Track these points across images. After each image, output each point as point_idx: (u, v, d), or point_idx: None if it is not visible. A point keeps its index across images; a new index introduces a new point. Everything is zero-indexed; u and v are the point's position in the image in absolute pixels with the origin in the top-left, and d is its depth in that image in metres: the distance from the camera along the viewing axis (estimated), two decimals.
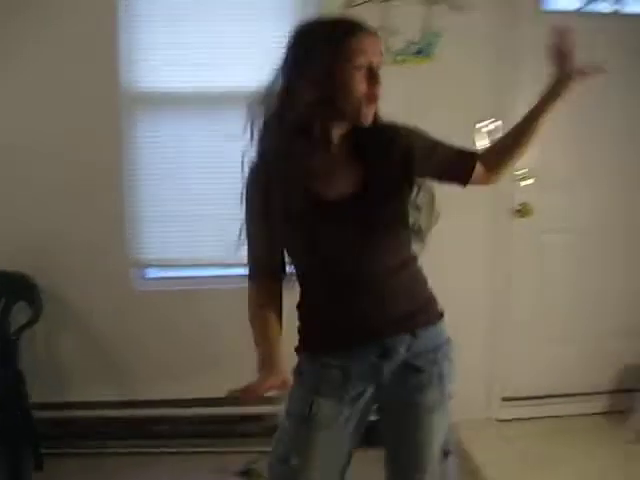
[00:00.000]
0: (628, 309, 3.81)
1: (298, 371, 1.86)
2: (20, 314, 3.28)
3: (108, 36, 3.30)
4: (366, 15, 3.15)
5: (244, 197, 1.82)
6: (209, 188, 3.45)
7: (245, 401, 1.71)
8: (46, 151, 3.36)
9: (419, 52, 3.37)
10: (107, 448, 3.40)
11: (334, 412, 1.80)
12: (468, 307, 3.57)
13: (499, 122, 3.37)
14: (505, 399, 3.79)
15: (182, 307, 3.53)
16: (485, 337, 3.70)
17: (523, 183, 3.57)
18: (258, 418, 3.47)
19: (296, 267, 1.86)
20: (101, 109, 3.34)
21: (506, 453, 3.40)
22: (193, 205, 3.48)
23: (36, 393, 3.26)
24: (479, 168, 1.86)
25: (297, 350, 1.89)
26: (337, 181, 1.75)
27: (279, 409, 3.44)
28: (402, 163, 1.75)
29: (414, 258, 1.87)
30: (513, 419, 3.74)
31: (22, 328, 3.13)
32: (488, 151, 1.92)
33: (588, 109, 3.54)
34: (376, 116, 1.72)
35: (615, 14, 3.64)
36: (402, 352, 1.77)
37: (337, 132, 1.73)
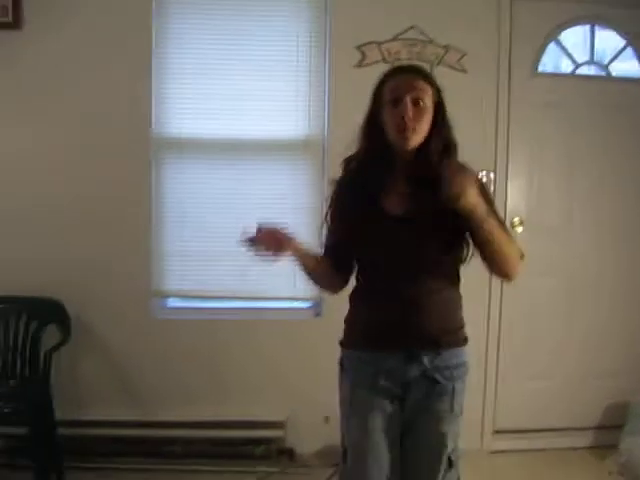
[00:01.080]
0: (613, 350, 3.97)
1: (340, 364, 2.16)
2: (49, 337, 3.49)
3: (142, 84, 3.58)
4: (375, 74, 3.49)
5: (328, 202, 2.15)
6: (226, 227, 3.65)
7: (259, 244, 2.01)
8: (80, 188, 3.61)
9: None
10: (124, 464, 3.55)
11: (367, 400, 2.05)
12: None
13: (492, 174, 3.68)
14: (497, 432, 3.95)
15: (198, 335, 3.72)
16: (478, 372, 3.82)
17: (515, 230, 3.80)
18: (266, 441, 3.68)
19: (359, 266, 2.14)
20: (133, 151, 3.61)
21: None
22: (211, 242, 3.72)
23: (59, 410, 3.43)
24: None
25: (340, 344, 2.17)
26: (399, 201, 2.01)
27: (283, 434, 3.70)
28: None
29: (456, 284, 2.12)
30: (504, 451, 3.88)
31: (54, 349, 3.33)
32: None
33: (578, 161, 3.82)
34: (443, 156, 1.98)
35: (605, 77, 3.92)
36: (425, 364, 2.02)
37: (400, 158, 2.02)
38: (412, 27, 3.61)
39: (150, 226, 3.69)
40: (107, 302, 3.68)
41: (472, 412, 3.79)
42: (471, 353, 3.66)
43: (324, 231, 2.20)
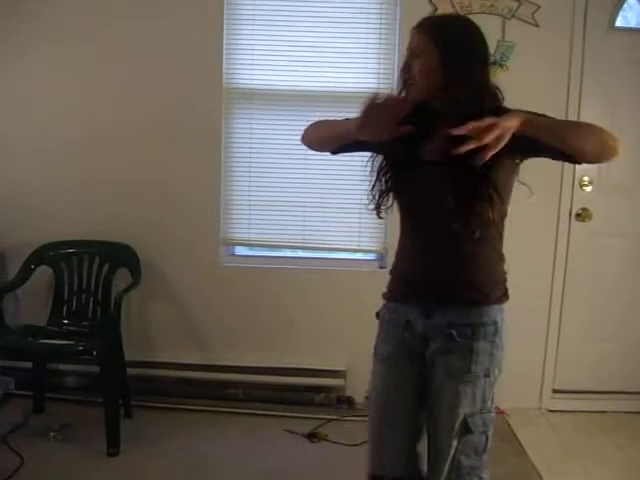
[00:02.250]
0: None
1: (377, 314, 2.14)
2: (120, 280, 3.64)
3: (214, 34, 3.63)
4: None
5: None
6: (293, 177, 3.77)
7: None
8: (152, 138, 3.71)
9: (494, 63, 3.53)
10: (188, 405, 3.69)
11: (389, 353, 2.05)
12: (525, 300, 3.70)
13: None
14: (556, 391, 3.95)
15: (263, 283, 3.82)
16: (539, 330, 3.86)
17: (583, 189, 3.76)
18: (324, 389, 3.78)
19: (399, 217, 2.07)
20: (203, 101, 3.67)
21: (551, 440, 3.58)
22: (279, 192, 3.79)
23: (128, 351, 3.58)
24: None
25: (383, 296, 2.15)
26: (435, 148, 1.89)
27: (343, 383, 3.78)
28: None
29: (492, 238, 1.96)
30: (562, 410, 3.89)
31: (124, 291, 3.45)
32: None
33: None
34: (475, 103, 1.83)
35: None
36: (441, 319, 1.95)
37: (435, 109, 1.91)
38: None
39: (220, 175, 3.76)
40: (177, 248, 3.78)
41: (532, 370, 3.89)
42: (533, 310, 3.76)
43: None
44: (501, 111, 1.80)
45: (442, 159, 1.82)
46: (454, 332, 1.93)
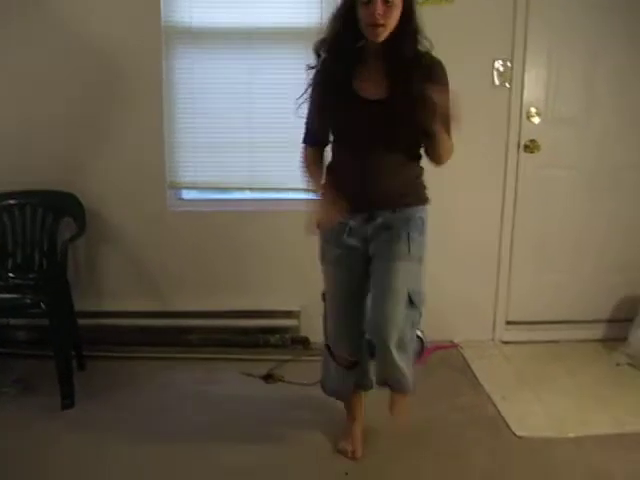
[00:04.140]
0: (628, 244, 3.98)
1: (317, 225, 2.49)
2: (66, 230, 3.55)
3: None
4: None
5: (309, 90, 2.44)
6: (237, 117, 3.68)
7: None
8: (90, 79, 3.57)
9: None
10: (142, 353, 3.66)
11: (335, 254, 2.53)
12: (476, 233, 3.82)
13: (508, 63, 3.60)
14: (509, 322, 4.01)
15: (213, 227, 3.77)
16: (492, 264, 3.90)
17: (531, 120, 3.75)
18: (278, 330, 3.78)
19: (333, 141, 2.48)
20: (143, 42, 3.54)
21: (505, 371, 3.63)
22: (224, 133, 3.70)
23: (78, 302, 3.53)
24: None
25: None
26: (371, 85, 2.33)
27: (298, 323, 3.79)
28: (418, 85, 2.22)
29: (416, 159, 2.46)
30: (515, 342, 3.95)
31: (69, 240, 3.38)
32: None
33: (599, 49, 3.72)
34: (414, 45, 2.28)
35: None
36: (382, 220, 2.44)
37: (371, 47, 2.31)
38: None
39: (162, 118, 3.66)
40: (122, 194, 3.71)
41: (484, 302, 3.93)
42: (484, 242, 3.81)
43: (304, 115, 2.49)
44: (424, 56, 2.31)
45: (382, 98, 2.30)
46: (393, 224, 2.42)
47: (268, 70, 3.62)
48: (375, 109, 2.30)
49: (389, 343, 2.39)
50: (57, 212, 3.57)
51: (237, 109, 3.68)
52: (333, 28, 2.35)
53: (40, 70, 3.56)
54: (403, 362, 2.47)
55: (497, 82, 3.66)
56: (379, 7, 2.18)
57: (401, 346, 2.43)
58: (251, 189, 3.85)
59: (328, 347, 2.72)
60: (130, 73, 3.58)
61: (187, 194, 3.88)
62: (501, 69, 3.64)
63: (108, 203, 3.70)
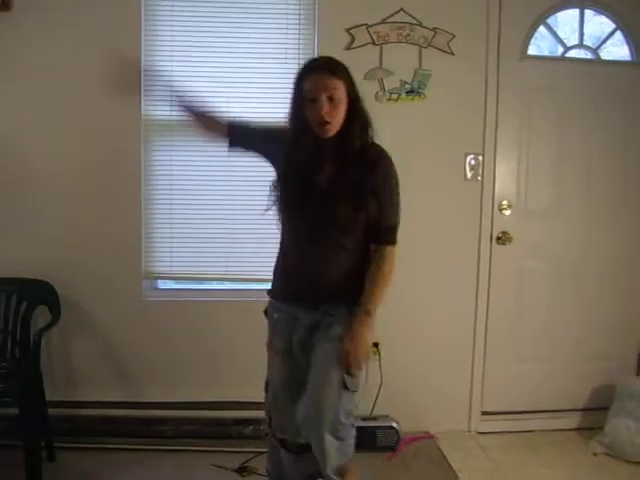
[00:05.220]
0: (602, 333, 4.02)
1: (265, 311, 2.65)
2: (39, 318, 3.52)
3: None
4: (364, 57, 3.55)
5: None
6: (215, 209, 3.74)
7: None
8: (72, 170, 3.61)
9: (411, 91, 3.66)
10: (115, 444, 3.57)
11: (284, 343, 2.55)
12: (450, 324, 3.83)
13: (479, 157, 3.71)
14: (484, 413, 3.99)
15: (188, 317, 3.75)
16: (467, 355, 3.91)
17: (503, 213, 3.84)
18: (252, 421, 3.71)
19: (281, 229, 2.55)
20: (123, 133, 3.60)
21: (481, 462, 3.60)
22: (200, 224, 3.75)
23: (50, 391, 3.47)
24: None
25: (268, 293, 2.65)
26: (319, 172, 2.40)
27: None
28: (362, 183, 2.35)
29: (355, 255, 2.45)
30: (491, 432, 3.94)
31: (43, 329, 3.35)
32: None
33: (566, 145, 3.86)
34: (363, 137, 2.38)
35: (595, 61, 3.92)
36: (324, 310, 2.47)
37: (322, 140, 2.36)
38: (401, 10, 3.62)
39: (140, 208, 3.69)
40: (98, 284, 3.70)
41: (459, 393, 3.92)
42: (458, 333, 3.83)
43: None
44: (371, 149, 2.41)
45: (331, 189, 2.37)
46: (334, 316, 2.45)
47: (244, 164, 3.66)
48: (325, 198, 2.36)
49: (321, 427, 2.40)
50: (31, 300, 3.53)
51: (214, 201, 3.72)
52: (290, 122, 2.44)
53: (16, 163, 3.61)
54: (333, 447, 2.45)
55: (469, 176, 3.76)
56: (325, 106, 2.27)
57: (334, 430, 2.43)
58: (225, 279, 3.87)
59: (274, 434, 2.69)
60: (110, 164, 3.63)
61: (163, 284, 3.89)
62: (473, 163, 3.74)
63: (83, 292, 3.68)
